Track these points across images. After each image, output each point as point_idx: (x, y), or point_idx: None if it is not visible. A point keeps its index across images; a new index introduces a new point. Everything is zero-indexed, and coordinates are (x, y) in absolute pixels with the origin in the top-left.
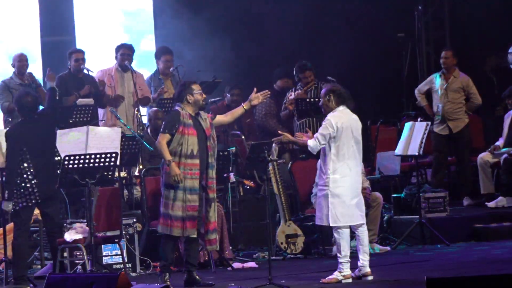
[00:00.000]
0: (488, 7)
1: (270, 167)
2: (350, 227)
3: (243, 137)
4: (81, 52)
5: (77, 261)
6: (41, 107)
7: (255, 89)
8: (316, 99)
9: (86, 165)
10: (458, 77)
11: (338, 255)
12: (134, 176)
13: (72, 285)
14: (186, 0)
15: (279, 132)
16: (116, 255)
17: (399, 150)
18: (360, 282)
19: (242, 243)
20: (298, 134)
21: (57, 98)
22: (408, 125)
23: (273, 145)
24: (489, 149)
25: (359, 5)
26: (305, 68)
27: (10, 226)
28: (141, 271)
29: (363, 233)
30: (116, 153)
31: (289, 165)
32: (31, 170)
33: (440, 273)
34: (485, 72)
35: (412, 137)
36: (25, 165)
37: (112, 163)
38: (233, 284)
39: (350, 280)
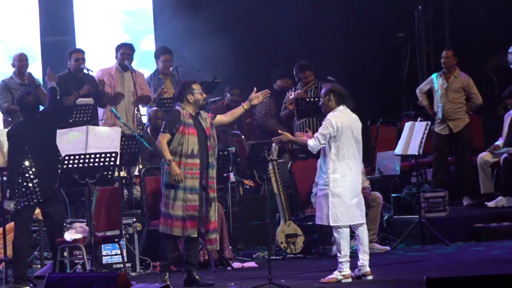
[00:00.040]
0: (488, 7)
1: (270, 167)
2: (350, 226)
3: (243, 136)
4: (81, 51)
5: (76, 261)
6: (41, 107)
7: (255, 88)
8: (316, 99)
9: (86, 164)
10: (459, 77)
11: (338, 254)
12: (134, 176)
13: (71, 284)
14: (186, 0)
15: (279, 131)
16: (116, 254)
17: (399, 150)
18: (360, 281)
19: (242, 242)
20: (298, 133)
21: (58, 97)
22: (408, 125)
23: (273, 144)
24: (489, 149)
25: (359, 5)
26: (305, 68)
27: (10, 225)
28: (141, 270)
29: (363, 233)
30: (116, 153)
31: (289, 165)
32: (33, 169)
33: (440, 273)
34: (486, 72)
35: (412, 137)
36: (27, 164)
37: (112, 163)
38: (232, 283)
39: (349, 280)
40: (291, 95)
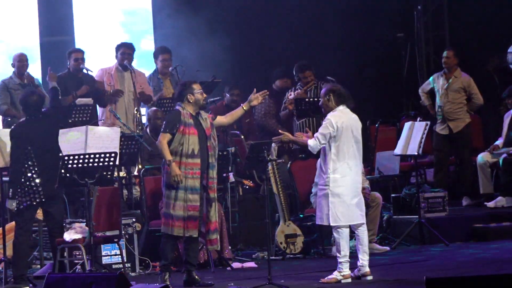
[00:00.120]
0: (488, 7)
1: (270, 167)
2: (350, 226)
3: (242, 137)
4: (81, 51)
5: (76, 261)
6: None
7: (254, 90)
8: (316, 99)
9: (85, 164)
10: (460, 77)
11: (338, 255)
12: (133, 176)
13: (71, 285)
14: (185, 0)
15: (280, 131)
16: (115, 255)
17: (398, 150)
18: (360, 282)
19: (242, 243)
20: (298, 134)
21: (60, 97)
22: (407, 125)
23: (273, 145)
24: (489, 149)
25: (358, 5)
26: (305, 68)
27: (9, 225)
28: (141, 271)
29: (363, 233)
30: (115, 153)
31: (289, 165)
32: (36, 169)
33: (440, 273)
34: (488, 72)
35: (412, 137)
36: (30, 164)
37: (111, 163)
38: (232, 284)
39: (349, 280)
40: (291, 95)
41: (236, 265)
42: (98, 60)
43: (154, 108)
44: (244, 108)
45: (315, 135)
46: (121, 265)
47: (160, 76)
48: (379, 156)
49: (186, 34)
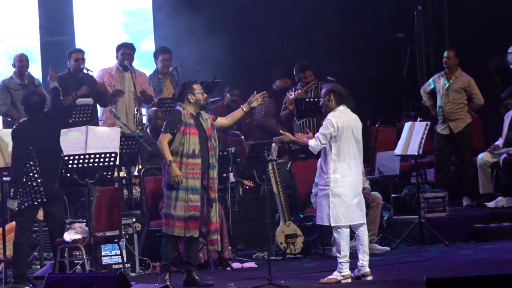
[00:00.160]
0: (488, 7)
1: (270, 167)
2: (350, 227)
3: (242, 137)
4: (81, 51)
5: (76, 261)
6: None
7: (255, 92)
8: (316, 99)
9: (85, 165)
10: (460, 77)
11: (338, 255)
12: (133, 176)
13: (71, 285)
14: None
15: (280, 132)
16: (115, 255)
17: (398, 150)
18: (360, 282)
19: (242, 243)
20: (299, 134)
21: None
22: (407, 125)
23: (273, 145)
24: (489, 149)
25: (358, 6)
26: (305, 68)
27: (9, 225)
28: (141, 271)
29: (363, 233)
30: (116, 153)
31: (289, 165)
32: (37, 169)
33: (440, 273)
34: (489, 72)
35: (412, 137)
36: (31, 164)
37: (111, 163)
38: (232, 284)
39: (349, 280)
40: (291, 95)
41: (236, 265)
42: (99, 60)
43: (155, 108)
44: (244, 109)
45: (315, 135)
46: (121, 265)
47: (161, 76)
48: (380, 156)
49: (186, 34)
